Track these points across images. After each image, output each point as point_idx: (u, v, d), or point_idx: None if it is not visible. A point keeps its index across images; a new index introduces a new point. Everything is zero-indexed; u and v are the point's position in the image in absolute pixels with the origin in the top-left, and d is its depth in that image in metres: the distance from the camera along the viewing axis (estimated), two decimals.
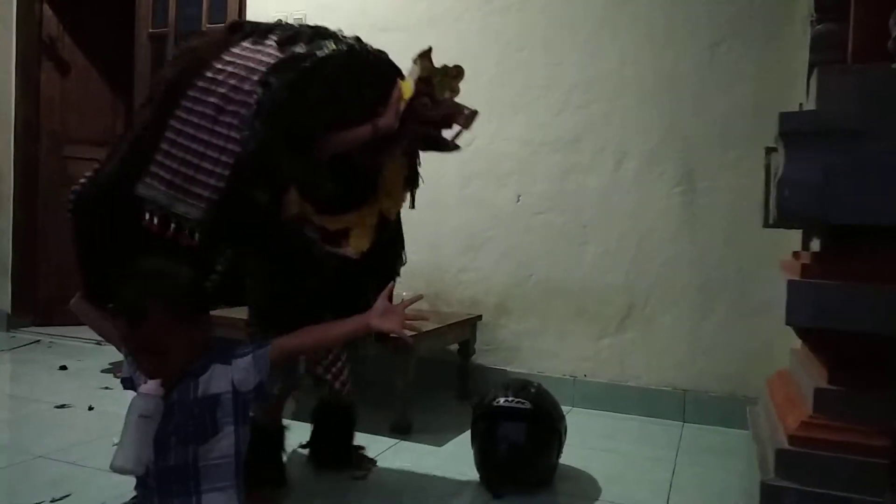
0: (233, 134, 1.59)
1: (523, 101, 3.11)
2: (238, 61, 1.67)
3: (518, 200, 3.11)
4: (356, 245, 1.70)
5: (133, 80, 3.91)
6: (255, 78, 1.62)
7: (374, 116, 1.62)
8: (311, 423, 2.18)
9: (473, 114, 1.63)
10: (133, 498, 1.31)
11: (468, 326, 3.02)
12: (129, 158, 1.68)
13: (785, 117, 1.19)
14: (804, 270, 1.19)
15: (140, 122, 1.75)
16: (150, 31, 3.78)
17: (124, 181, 1.66)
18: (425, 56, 1.61)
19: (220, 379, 1.29)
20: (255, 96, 1.58)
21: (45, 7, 4.21)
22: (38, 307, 4.31)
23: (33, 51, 4.20)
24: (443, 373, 3.07)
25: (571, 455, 2.13)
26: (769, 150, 1.52)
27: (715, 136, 2.81)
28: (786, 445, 1.18)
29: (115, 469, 1.22)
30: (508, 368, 3.09)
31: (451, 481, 2.09)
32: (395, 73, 1.75)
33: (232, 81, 1.63)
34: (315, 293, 1.70)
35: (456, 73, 1.63)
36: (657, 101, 2.90)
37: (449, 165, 2.98)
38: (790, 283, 1.15)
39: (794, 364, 1.59)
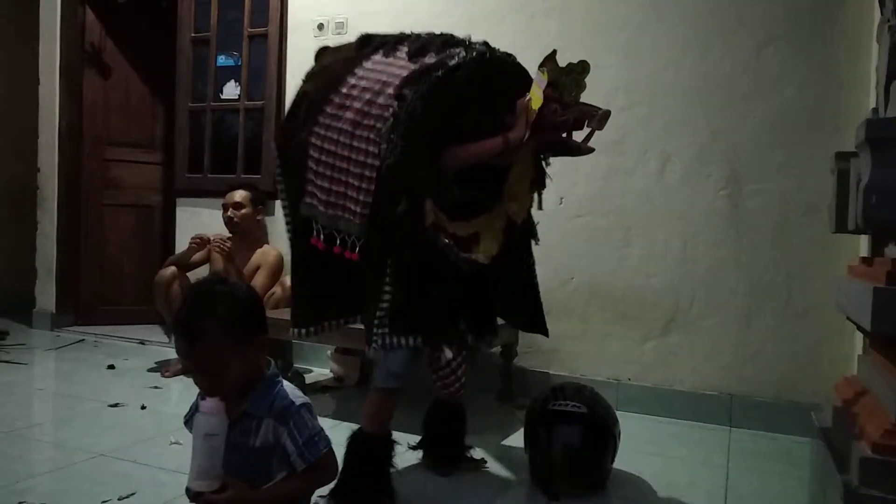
0: (371, 148, 1.65)
1: None
2: (371, 76, 1.72)
3: (560, 202, 3.11)
4: (486, 249, 1.73)
5: (174, 84, 3.96)
6: (389, 91, 1.66)
7: (504, 124, 1.63)
8: (423, 424, 2.20)
9: (606, 114, 1.58)
10: None
11: (512, 329, 3.02)
12: (287, 179, 1.86)
13: (871, 124, 1.18)
14: (889, 277, 1.18)
15: (289, 142, 1.86)
16: (193, 35, 3.82)
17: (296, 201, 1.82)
18: (550, 60, 1.57)
19: (277, 433, 1.29)
20: (390, 109, 1.63)
21: (88, 12, 4.29)
22: (80, 306, 4.40)
23: (77, 56, 4.28)
24: (483, 374, 3.07)
25: (621, 459, 2.12)
26: (841, 155, 1.51)
27: (761, 139, 2.79)
28: (869, 454, 1.18)
29: (193, 489, 1.24)
30: (550, 371, 3.09)
31: (504, 482, 2.11)
32: (525, 76, 1.75)
33: (367, 96, 1.70)
34: (451, 299, 1.74)
35: (581, 68, 1.61)
36: (702, 103, 2.88)
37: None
38: (877, 291, 1.15)
39: (864, 370, 1.57)
